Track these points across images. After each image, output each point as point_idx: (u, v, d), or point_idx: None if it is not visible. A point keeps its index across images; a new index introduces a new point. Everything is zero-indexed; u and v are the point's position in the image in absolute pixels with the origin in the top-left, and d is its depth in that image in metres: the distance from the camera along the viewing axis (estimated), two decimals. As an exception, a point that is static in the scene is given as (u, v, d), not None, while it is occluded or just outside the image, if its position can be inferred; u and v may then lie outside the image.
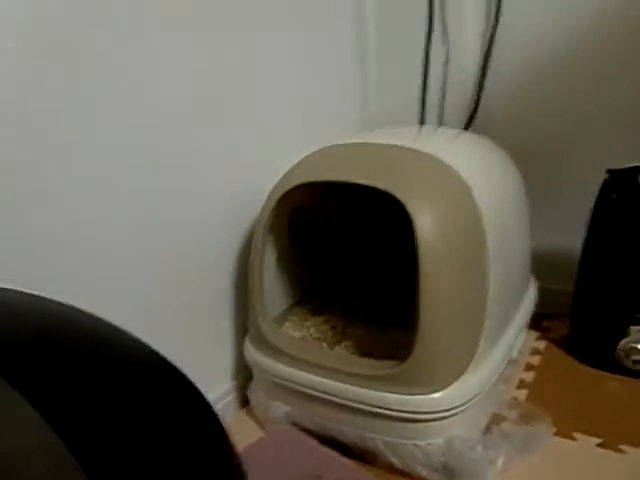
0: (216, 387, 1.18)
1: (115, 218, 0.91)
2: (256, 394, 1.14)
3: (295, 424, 1.07)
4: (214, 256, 1.12)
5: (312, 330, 1.21)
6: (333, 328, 1.21)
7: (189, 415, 0.49)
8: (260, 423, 1.15)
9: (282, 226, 1.13)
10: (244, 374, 1.19)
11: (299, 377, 1.02)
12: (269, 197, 1.05)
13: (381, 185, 0.90)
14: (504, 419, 1.11)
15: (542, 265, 1.35)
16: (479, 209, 0.96)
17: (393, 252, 1.23)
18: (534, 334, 1.42)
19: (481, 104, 1.42)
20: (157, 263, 1.00)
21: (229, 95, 1.11)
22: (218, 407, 1.18)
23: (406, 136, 1.12)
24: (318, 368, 1.00)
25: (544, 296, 1.36)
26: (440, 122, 1.40)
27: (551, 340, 1.40)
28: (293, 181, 1.02)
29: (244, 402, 1.21)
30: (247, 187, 1.16)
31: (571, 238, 1.32)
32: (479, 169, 1.05)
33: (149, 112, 0.94)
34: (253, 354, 1.10)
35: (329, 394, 0.99)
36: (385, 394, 0.93)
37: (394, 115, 1.47)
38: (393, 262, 1.23)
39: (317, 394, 1.00)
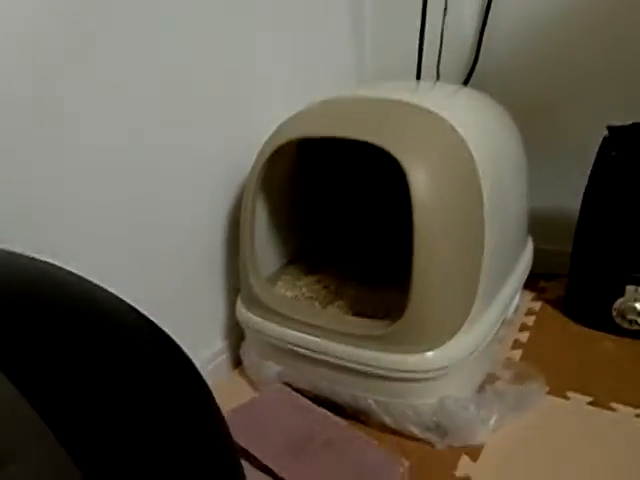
0: (208, 347, 1.17)
1: (111, 178, 0.89)
2: (248, 354, 1.14)
3: (288, 384, 1.06)
4: (208, 214, 1.10)
5: (304, 290, 1.20)
6: (326, 287, 1.19)
7: (172, 378, 0.47)
8: (253, 383, 1.14)
9: (274, 184, 1.10)
10: (237, 334, 1.18)
11: (291, 336, 1.01)
12: (260, 153, 1.02)
13: (375, 140, 0.87)
14: (498, 379, 1.11)
15: (539, 225, 1.34)
16: (476, 165, 0.93)
17: (388, 210, 1.20)
18: (530, 294, 1.41)
19: (480, 60, 1.38)
20: (151, 222, 0.98)
21: (229, 51, 1.07)
22: (210, 367, 1.18)
23: (403, 90, 1.09)
24: (310, 327, 0.98)
25: (540, 256, 1.34)
26: (438, 77, 1.36)
27: (547, 301, 1.40)
28: (284, 137, 0.99)
29: (237, 362, 1.20)
30: (242, 143, 1.12)
31: (569, 197, 1.30)
32: (476, 124, 1.02)
33: (148, 71, 0.91)
34: (245, 314, 1.08)
35: (321, 353, 0.98)
36: (378, 353, 0.92)
37: (391, 69, 1.42)
38: (388, 220, 1.20)
39: (309, 354, 0.99)
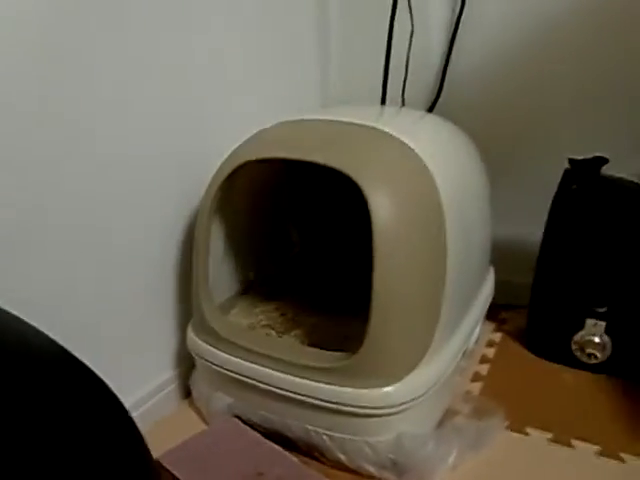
0: (157, 375, 1.11)
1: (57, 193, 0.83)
2: (198, 385, 1.08)
3: (238, 417, 1.01)
4: (160, 236, 1.04)
5: (261, 317, 1.15)
6: (283, 315, 1.15)
7: (91, 413, 0.42)
8: (203, 415, 1.08)
9: (231, 206, 1.05)
10: (187, 363, 1.12)
11: (242, 367, 0.96)
12: (216, 174, 0.97)
13: (336, 164, 0.84)
14: (457, 413, 1.08)
15: (501, 256, 1.32)
16: (439, 193, 0.91)
17: (350, 237, 1.16)
18: (490, 325, 1.39)
19: (444, 88, 1.37)
20: (98, 241, 0.93)
21: (188, 65, 1.04)
22: (158, 397, 1.11)
23: (367, 115, 1.06)
24: (263, 358, 0.93)
25: (502, 287, 1.33)
26: (403, 103, 1.35)
27: (508, 332, 1.38)
28: (242, 157, 0.95)
29: (187, 392, 1.14)
30: (199, 160, 1.08)
31: (531, 228, 1.29)
32: (441, 152, 1.00)
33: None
34: (195, 342, 1.02)
35: (274, 386, 0.93)
36: (334, 387, 0.87)
37: (356, 92, 1.40)
38: (351, 247, 1.16)
39: (262, 385, 0.94)
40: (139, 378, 1.07)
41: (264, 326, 1.12)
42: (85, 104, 0.86)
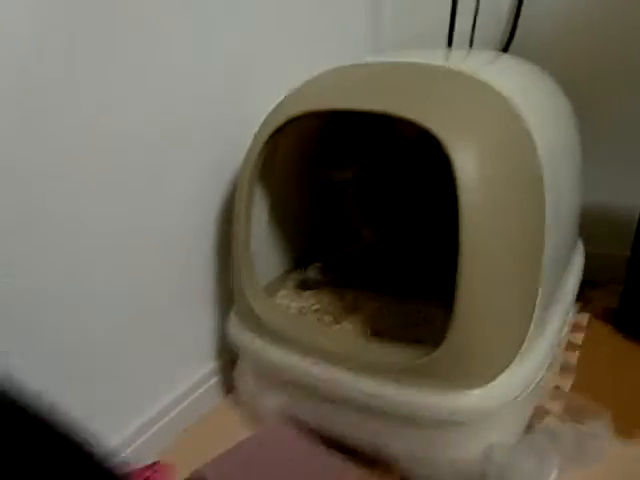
0: (196, 368, 0.97)
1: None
2: (244, 380, 0.93)
3: (292, 420, 0.86)
4: (195, 212, 0.89)
5: (312, 301, 0.99)
6: (340, 299, 0.98)
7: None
8: (249, 415, 0.94)
9: (276, 172, 0.89)
10: (230, 353, 0.97)
11: (294, 363, 0.80)
12: (257, 134, 0.81)
13: (410, 114, 0.66)
14: (547, 413, 0.91)
15: (587, 225, 1.12)
16: (536, 148, 0.73)
17: (424, 203, 0.96)
18: (575, 305, 1.20)
19: (519, 25, 1.16)
20: (131, 224, 0.79)
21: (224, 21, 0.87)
22: (199, 393, 0.97)
23: (436, 56, 0.87)
24: (318, 352, 0.78)
25: (589, 261, 1.13)
26: (470, 46, 1.14)
27: (596, 313, 1.19)
28: (288, 112, 0.78)
29: (231, 386, 1.00)
30: (234, 125, 0.91)
31: (627, 194, 1.09)
32: (533, 98, 0.81)
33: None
34: (238, 332, 0.87)
35: (332, 386, 0.77)
36: (408, 390, 0.71)
37: (413, 39, 1.21)
38: (423, 216, 0.97)
39: (318, 385, 0.79)
40: (175, 371, 0.93)
41: (316, 311, 0.97)
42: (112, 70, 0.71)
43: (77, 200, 0.71)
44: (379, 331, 0.87)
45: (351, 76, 0.81)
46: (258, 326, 0.84)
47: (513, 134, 0.71)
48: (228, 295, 0.94)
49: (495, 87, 0.73)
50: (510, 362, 0.72)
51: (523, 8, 1.15)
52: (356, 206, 1.00)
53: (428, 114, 0.66)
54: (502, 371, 0.71)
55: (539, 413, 0.90)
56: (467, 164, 0.64)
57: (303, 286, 1.02)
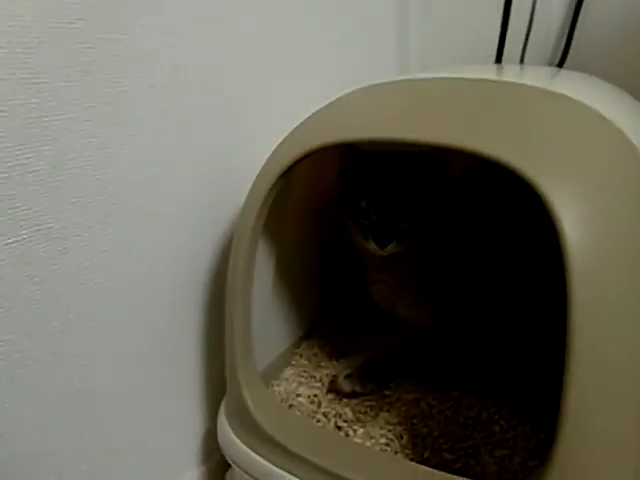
0: (177, 475, 0.74)
1: None
2: (236, 500, 0.69)
3: None
4: (180, 275, 0.67)
5: (329, 383, 0.76)
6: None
7: None
8: None
9: (287, 220, 0.68)
10: (220, 455, 0.74)
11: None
12: (263, 171, 0.60)
13: (494, 152, 0.45)
14: None
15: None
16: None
17: (496, 265, 0.70)
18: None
19: (574, 39, 0.96)
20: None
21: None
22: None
23: (494, 71, 0.66)
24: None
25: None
26: (522, 60, 0.93)
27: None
28: (309, 142, 0.56)
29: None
30: (235, 166, 0.70)
31: None
32: (636, 123, 0.59)
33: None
34: (228, 437, 0.64)
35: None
36: None
37: (448, 58, 1.01)
38: (495, 281, 0.70)
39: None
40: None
41: (332, 400, 0.74)
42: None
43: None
44: (424, 437, 0.64)
45: (391, 96, 0.59)
46: (254, 433, 0.61)
47: (634, 181, 0.49)
48: (218, 383, 0.72)
49: (604, 114, 0.51)
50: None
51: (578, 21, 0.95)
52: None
53: (515, 149, 0.45)
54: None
55: None
56: (579, 224, 0.42)
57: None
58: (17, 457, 0.53)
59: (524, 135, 0.47)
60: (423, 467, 0.55)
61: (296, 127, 0.60)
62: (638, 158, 0.50)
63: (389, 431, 0.66)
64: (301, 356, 0.82)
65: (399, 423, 0.67)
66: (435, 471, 0.54)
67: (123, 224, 0.58)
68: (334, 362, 0.80)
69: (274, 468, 0.59)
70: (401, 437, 0.65)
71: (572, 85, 0.59)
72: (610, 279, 0.44)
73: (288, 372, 0.79)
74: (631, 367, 0.46)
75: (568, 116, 0.50)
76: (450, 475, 0.53)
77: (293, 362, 0.81)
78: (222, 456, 0.70)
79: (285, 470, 0.58)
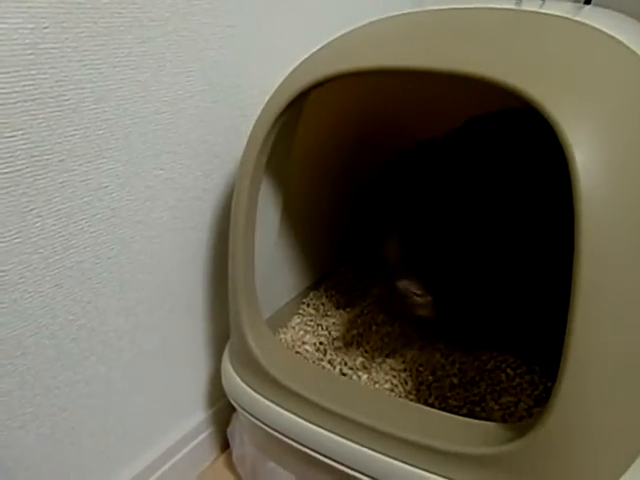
0: (184, 418, 0.74)
1: None
2: (240, 442, 0.70)
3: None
4: (181, 219, 0.66)
5: (336, 334, 0.75)
6: (378, 331, 0.74)
7: None
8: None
9: (294, 161, 0.66)
10: (227, 399, 0.74)
11: (307, 432, 0.56)
12: (266, 106, 0.58)
13: (510, 80, 0.42)
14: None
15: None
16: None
17: (507, 206, 0.66)
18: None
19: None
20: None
21: None
22: (187, 450, 0.75)
23: (518, 3, 0.63)
24: (342, 420, 0.54)
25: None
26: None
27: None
28: (313, 74, 0.54)
29: (227, 442, 0.77)
30: (240, 97, 0.69)
31: None
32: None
33: None
34: (233, 381, 0.64)
35: (365, 473, 0.53)
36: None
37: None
38: (504, 224, 0.68)
39: (342, 468, 0.55)
40: (157, 425, 0.71)
41: (339, 349, 0.73)
42: None
43: None
44: (431, 382, 0.63)
45: (404, 26, 0.56)
46: (259, 377, 0.60)
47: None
48: (224, 326, 0.71)
49: (620, 39, 0.48)
50: (632, 462, 0.47)
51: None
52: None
53: (536, 82, 0.42)
54: (623, 472, 0.46)
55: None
56: (593, 160, 0.40)
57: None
58: (22, 388, 0.53)
59: (532, 59, 0.44)
60: (428, 408, 0.54)
61: (304, 59, 0.58)
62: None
63: (393, 377, 0.65)
64: (308, 305, 0.82)
65: (404, 370, 0.66)
66: (441, 412, 0.53)
67: (124, 160, 0.57)
68: (341, 311, 0.79)
69: (278, 409, 0.59)
70: (406, 383, 0.65)
71: (596, 17, 0.56)
72: (622, 217, 0.42)
73: (295, 321, 0.79)
74: (637, 311, 0.44)
75: (587, 43, 0.47)
76: (456, 416, 0.52)
77: (300, 311, 0.81)
78: (228, 400, 0.70)
79: (289, 411, 0.58)
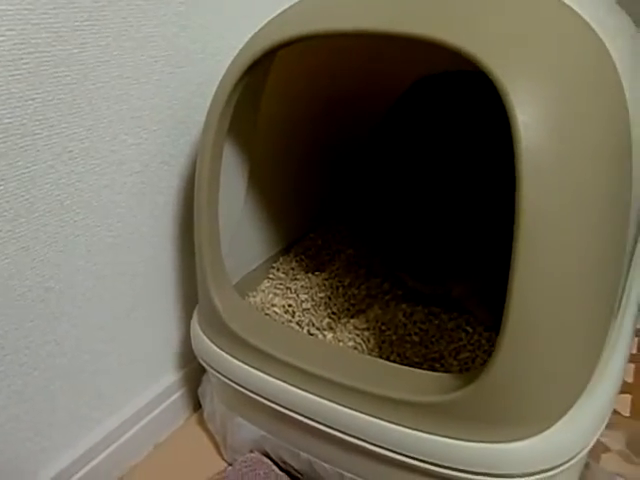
0: (155, 380, 0.76)
1: None
2: (210, 401, 0.72)
3: (269, 456, 0.65)
4: (147, 179, 0.67)
5: (304, 297, 0.77)
6: (339, 287, 0.77)
7: None
8: (218, 441, 0.73)
9: (260, 124, 0.67)
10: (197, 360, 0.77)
11: (274, 388, 0.59)
12: (231, 66, 0.59)
13: (451, 40, 0.44)
14: (606, 450, 0.70)
15: None
16: (624, 93, 0.50)
17: (459, 167, 0.69)
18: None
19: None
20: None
21: None
22: (158, 411, 0.77)
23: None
24: (306, 376, 0.56)
25: None
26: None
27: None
28: (272, 37, 0.55)
29: (199, 402, 0.79)
30: (204, 63, 0.69)
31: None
32: (616, 26, 0.58)
33: None
34: (202, 341, 0.66)
35: (328, 425, 0.56)
36: (434, 438, 0.50)
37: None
38: (456, 185, 0.69)
39: (307, 422, 0.57)
40: (129, 386, 0.73)
41: (307, 311, 0.75)
42: None
43: None
44: (391, 340, 0.66)
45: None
46: (227, 337, 0.62)
47: (600, 78, 0.48)
48: (193, 289, 0.73)
49: (573, 7, 0.50)
50: (575, 400, 0.50)
51: None
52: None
53: (478, 40, 0.44)
54: (564, 413, 0.50)
55: (595, 450, 0.69)
56: (533, 117, 0.42)
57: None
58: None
59: (477, 21, 0.46)
60: (387, 362, 0.57)
61: (267, 22, 0.58)
62: (604, 55, 0.49)
63: (357, 335, 0.68)
64: (278, 270, 0.83)
65: (367, 329, 0.69)
66: (399, 366, 0.56)
67: (87, 125, 0.57)
68: (310, 275, 0.81)
69: (246, 367, 0.61)
70: (368, 341, 0.67)
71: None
72: (562, 164, 0.44)
73: (264, 284, 0.81)
74: (577, 257, 0.46)
75: (533, 6, 0.49)
76: (413, 369, 0.54)
77: (270, 275, 0.83)
78: (199, 362, 0.72)
79: (256, 369, 0.60)
